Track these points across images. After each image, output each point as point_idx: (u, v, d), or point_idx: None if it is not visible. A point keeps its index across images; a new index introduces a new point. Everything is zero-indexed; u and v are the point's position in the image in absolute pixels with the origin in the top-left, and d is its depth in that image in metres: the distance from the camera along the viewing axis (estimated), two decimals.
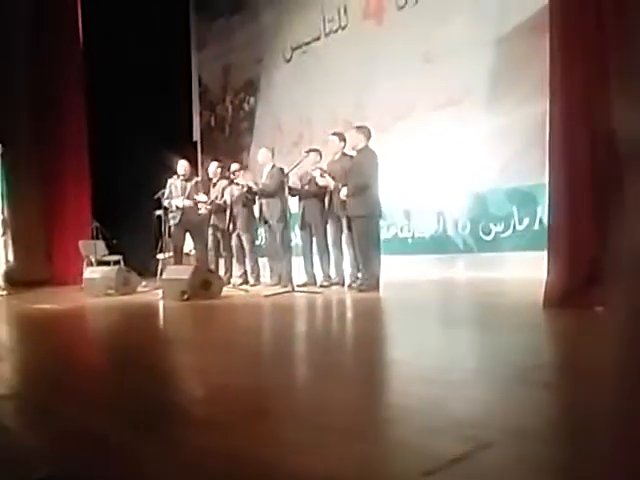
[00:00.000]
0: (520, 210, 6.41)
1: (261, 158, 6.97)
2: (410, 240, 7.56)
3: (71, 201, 9.20)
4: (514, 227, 6.48)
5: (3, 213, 7.83)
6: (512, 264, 6.23)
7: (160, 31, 9.96)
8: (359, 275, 5.71)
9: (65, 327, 4.43)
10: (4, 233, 7.84)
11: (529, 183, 6.12)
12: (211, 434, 1.52)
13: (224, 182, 7.34)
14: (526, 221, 6.35)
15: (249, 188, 6.80)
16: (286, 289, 5.89)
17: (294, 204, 6.66)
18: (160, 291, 6.04)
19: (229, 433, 1.52)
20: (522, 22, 6.31)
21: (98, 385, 2.23)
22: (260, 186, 6.78)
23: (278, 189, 6.45)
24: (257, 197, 6.87)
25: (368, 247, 5.50)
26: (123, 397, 1.98)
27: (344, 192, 5.57)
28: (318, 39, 8.96)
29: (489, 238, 6.73)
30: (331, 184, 5.96)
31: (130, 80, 9.66)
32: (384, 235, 6.63)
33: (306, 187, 6.42)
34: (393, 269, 6.47)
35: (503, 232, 6.58)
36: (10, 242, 7.94)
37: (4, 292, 7.42)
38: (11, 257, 7.89)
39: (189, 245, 7.69)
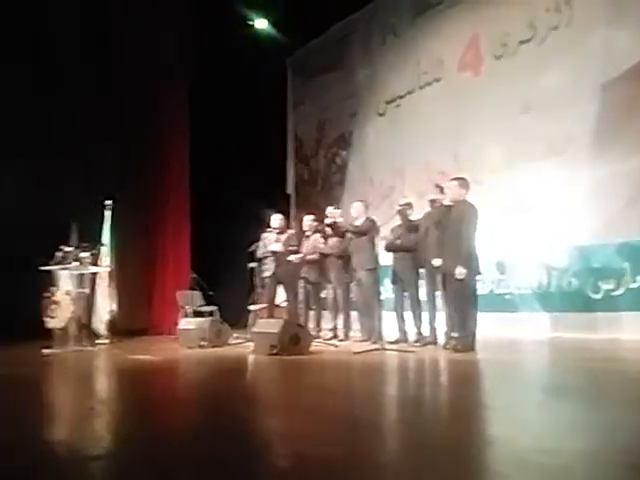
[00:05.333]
0: (633, 266, 5.88)
1: (355, 212, 6.80)
2: (508, 297, 7.14)
3: (172, 253, 9.61)
4: (627, 285, 5.94)
5: (111, 265, 8.26)
6: (626, 325, 5.70)
7: (259, 90, 10.41)
8: (454, 334, 5.41)
9: (157, 382, 4.50)
10: (110, 284, 8.26)
11: None
12: None
13: (317, 235, 7.35)
14: None
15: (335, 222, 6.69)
16: (376, 346, 5.70)
17: (384, 256, 6.52)
18: (251, 344, 6.06)
19: None
20: (628, 69, 5.96)
21: (180, 454, 2.13)
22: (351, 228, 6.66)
23: (368, 241, 6.40)
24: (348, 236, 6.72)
25: (465, 305, 5.18)
26: (203, 468, 1.90)
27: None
28: (412, 92, 8.97)
29: (598, 296, 6.20)
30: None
31: (230, 136, 10.09)
32: (479, 291, 6.29)
33: (398, 241, 6.30)
34: (490, 327, 6.11)
35: (614, 290, 6.05)
36: (115, 292, 8.35)
37: (107, 341, 7.75)
38: (115, 307, 8.27)
39: (281, 297, 7.72)
